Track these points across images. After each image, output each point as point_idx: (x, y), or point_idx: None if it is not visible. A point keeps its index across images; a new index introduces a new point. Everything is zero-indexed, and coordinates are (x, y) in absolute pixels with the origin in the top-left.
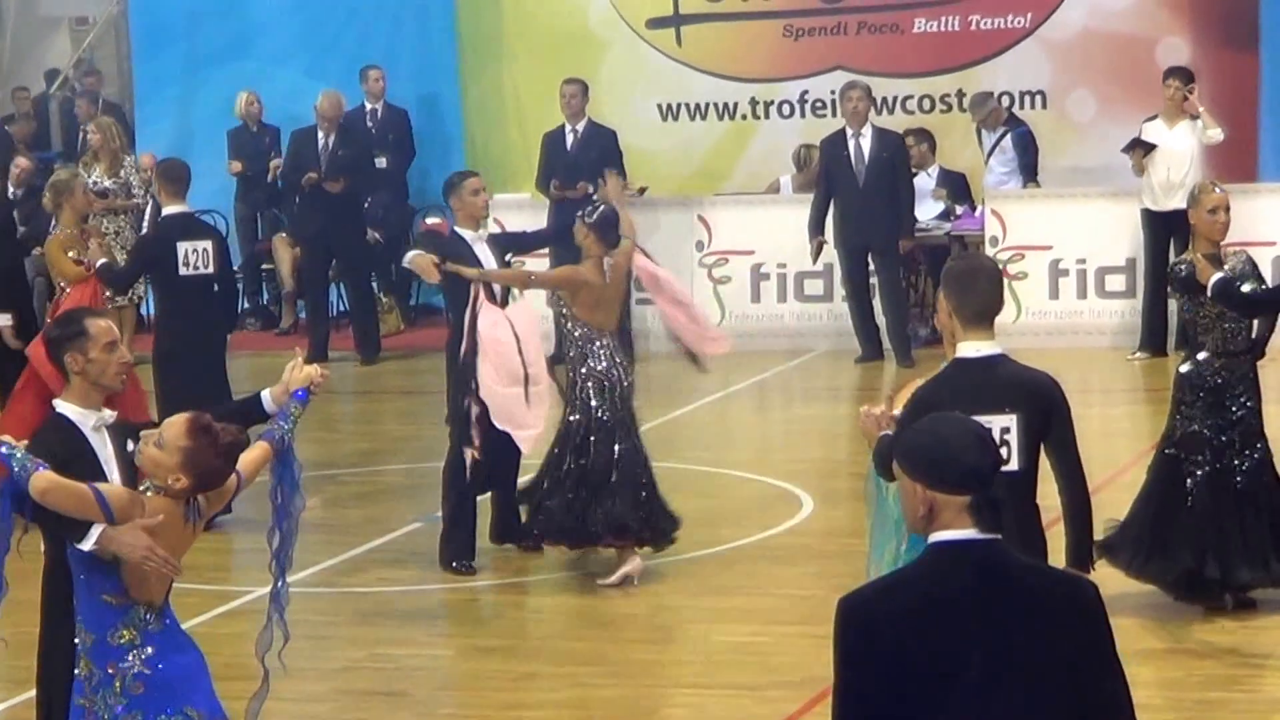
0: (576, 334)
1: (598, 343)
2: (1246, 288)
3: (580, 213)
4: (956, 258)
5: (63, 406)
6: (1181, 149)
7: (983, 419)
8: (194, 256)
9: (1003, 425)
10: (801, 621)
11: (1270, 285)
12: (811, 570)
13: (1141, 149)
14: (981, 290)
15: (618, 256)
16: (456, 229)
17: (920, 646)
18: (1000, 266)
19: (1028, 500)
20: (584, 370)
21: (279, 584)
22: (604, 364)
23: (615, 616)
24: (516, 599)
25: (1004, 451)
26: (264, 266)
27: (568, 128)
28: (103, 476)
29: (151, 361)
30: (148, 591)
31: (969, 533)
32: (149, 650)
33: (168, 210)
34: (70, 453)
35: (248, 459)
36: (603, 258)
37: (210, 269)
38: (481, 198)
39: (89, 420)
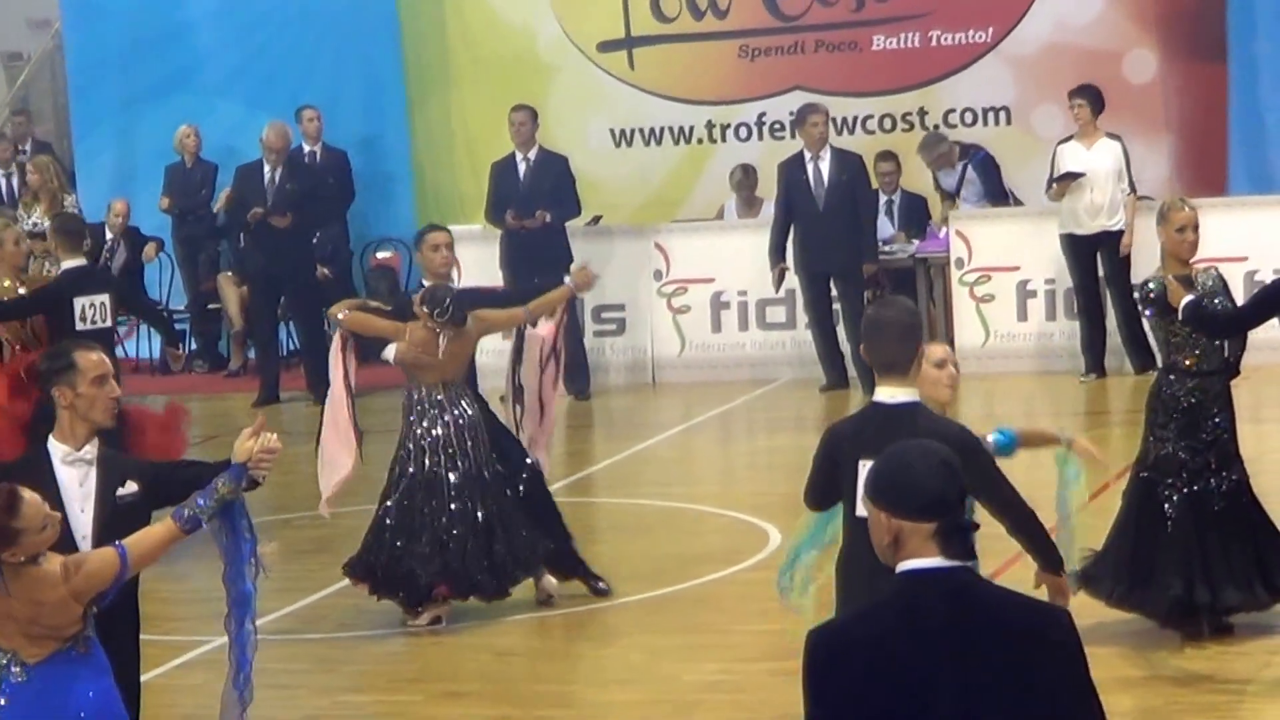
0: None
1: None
2: (1217, 307)
3: (432, 311)
4: (875, 303)
5: (51, 443)
6: (1103, 168)
7: None
8: (91, 311)
9: None
10: (771, 658)
11: (1239, 304)
12: (778, 605)
13: (1072, 179)
14: (887, 344)
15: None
16: (424, 281)
17: (891, 679)
18: (917, 312)
19: None
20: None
21: (239, 675)
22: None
23: (584, 658)
24: (483, 642)
25: None
26: (210, 306)
27: (518, 156)
28: (61, 512)
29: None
30: (2, 643)
31: (936, 561)
32: (0, 700)
33: (65, 264)
34: (26, 486)
35: (141, 537)
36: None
37: (108, 323)
38: (440, 255)
39: (59, 453)
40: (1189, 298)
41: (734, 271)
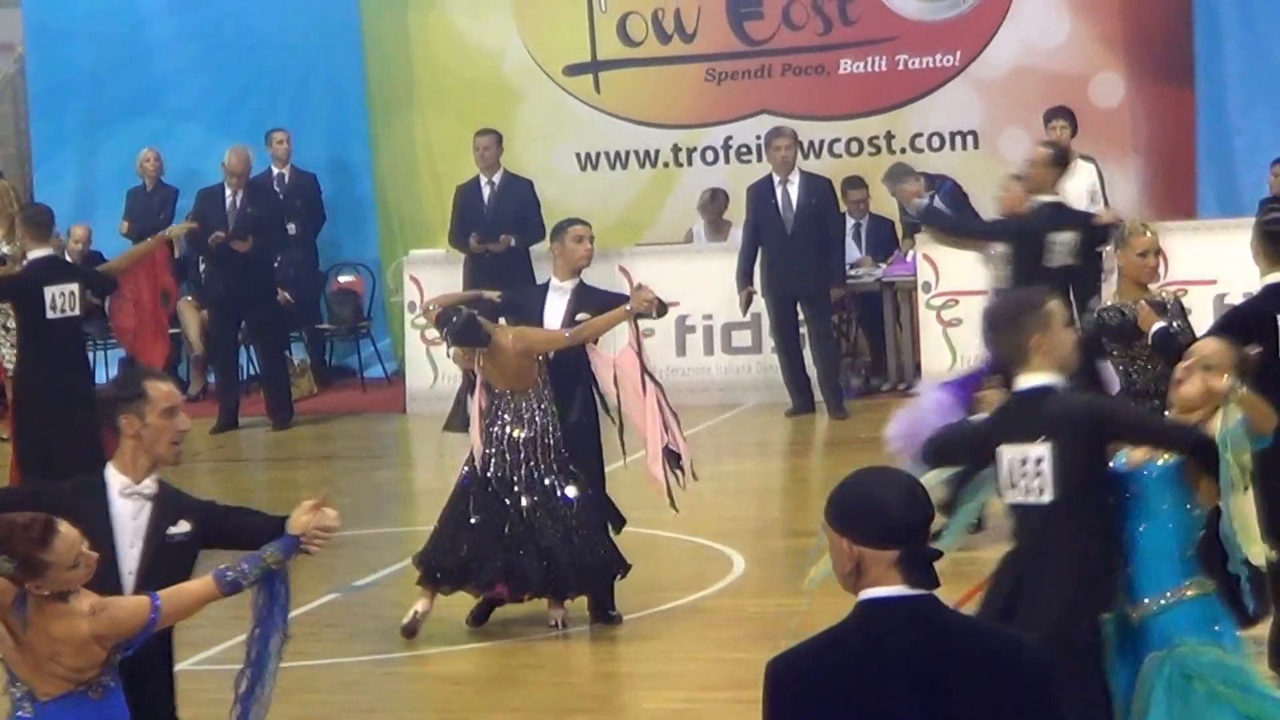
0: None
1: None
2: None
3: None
4: (991, 300)
5: (110, 471)
6: (1076, 189)
7: (1019, 448)
8: (61, 300)
9: (1036, 455)
10: (734, 686)
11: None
12: (743, 633)
13: None
14: (995, 340)
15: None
16: (552, 278)
17: (853, 709)
18: (1026, 302)
19: (1062, 535)
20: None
21: None
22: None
23: (543, 686)
24: (440, 670)
25: (1036, 482)
26: (170, 330)
27: (483, 180)
28: (110, 545)
29: (9, 410)
30: (19, 673)
31: (898, 589)
32: None
33: (33, 254)
34: (78, 513)
35: (178, 592)
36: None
37: (77, 311)
38: (584, 246)
39: (118, 484)
40: (1160, 324)
41: (699, 295)
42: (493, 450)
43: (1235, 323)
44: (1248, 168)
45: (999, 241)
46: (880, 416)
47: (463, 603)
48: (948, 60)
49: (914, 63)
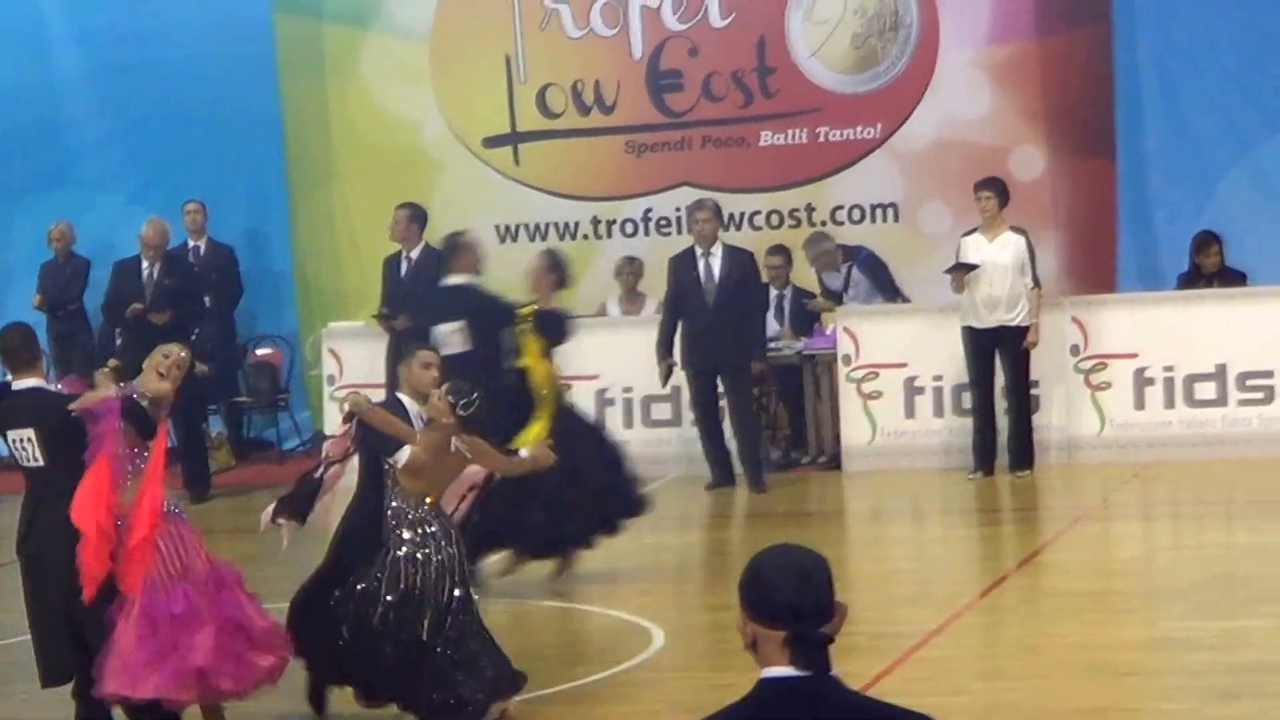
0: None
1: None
2: None
3: (457, 402)
4: None
5: None
6: (1003, 262)
7: None
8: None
9: None
10: None
11: None
12: (661, 706)
13: (964, 270)
14: None
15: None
16: (399, 395)
17: None
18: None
19: None
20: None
21: None
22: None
23: None
24: None
25: None
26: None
27: (403, 254)
28: None
29: None
30: None
31: (787, 670)
32: None
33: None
34: None
35: None
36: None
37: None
38: (431, 372)
39: None
40: None
41: (618, 367)
42: (434, 571)
43: None
44: (1169, 241)
45: None
46: (801, 490)
47: None
48: (868, 133)
49: (835, 135)
